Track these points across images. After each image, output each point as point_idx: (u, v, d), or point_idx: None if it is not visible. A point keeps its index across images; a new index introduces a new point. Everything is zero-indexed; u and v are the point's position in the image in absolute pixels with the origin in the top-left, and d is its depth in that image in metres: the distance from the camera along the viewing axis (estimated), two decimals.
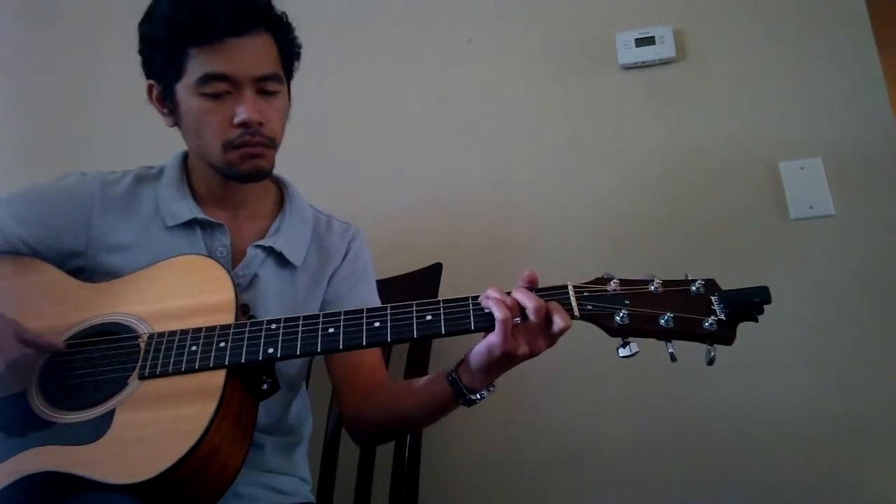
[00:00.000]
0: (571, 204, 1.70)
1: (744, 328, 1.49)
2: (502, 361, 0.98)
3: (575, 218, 1.69)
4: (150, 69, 1.16)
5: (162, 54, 1.12)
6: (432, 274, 1.55)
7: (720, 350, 0.94)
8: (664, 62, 1.72)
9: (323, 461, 1.48)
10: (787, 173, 1.61)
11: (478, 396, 1.04)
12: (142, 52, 1.16)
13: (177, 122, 1.17)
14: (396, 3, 1.89)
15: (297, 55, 1.22)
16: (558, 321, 0.94)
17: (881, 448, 1.48)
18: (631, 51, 1.72)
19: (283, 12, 1.18)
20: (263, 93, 1.13)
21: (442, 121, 1.81)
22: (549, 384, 1.63)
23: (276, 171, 1.22)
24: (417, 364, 1.49)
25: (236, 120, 1.10)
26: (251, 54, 1.11)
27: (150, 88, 1.18)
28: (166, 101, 1.16)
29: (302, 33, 1.22)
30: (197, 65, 1.09)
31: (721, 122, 1.68)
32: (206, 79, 1.09)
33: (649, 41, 1.71)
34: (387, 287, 1.48)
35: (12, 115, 1.99)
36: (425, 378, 1.14)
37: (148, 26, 1.15)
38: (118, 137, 1.91)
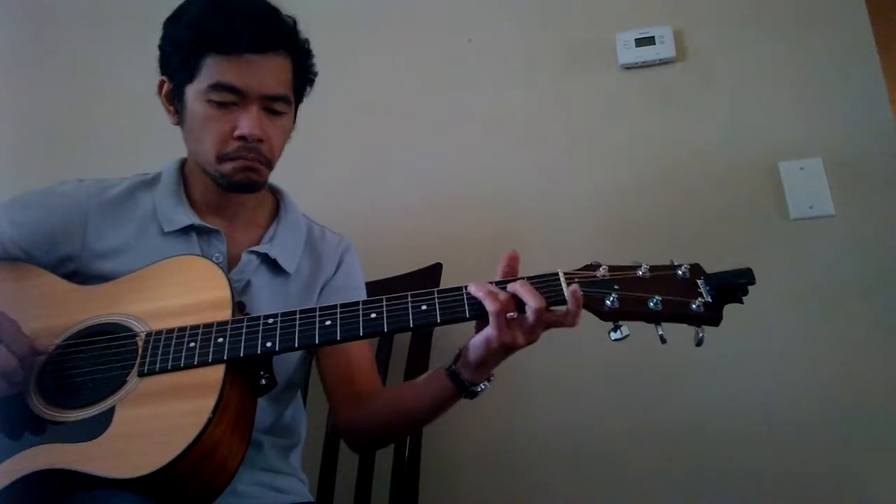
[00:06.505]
0: (571, 204, 1.70)
1: (744, 329, 1.51)
2: (501, 352, 1.00)
3: (575, 218, 1.69)
4: (165, 66, 1.18)
5: (180, 55, 1.13)
6: (432, 274, 1.55)
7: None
8: (664, 62, 1.72)
9: (323, 461, 1.48)
10: (787, 173, 1.61)
11: (480, 388, 1.06)
12: (162, 48, 1.18)
13: (180, 122, 1.19)
14: (396, 2, 1.90)
15: (311, 81, 1.25)
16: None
17: (880, 447, 1.48)
18: (631, 51, 1.72)
19: (306, 39, 1.21)
20: (270, 111, 1.15)
21: (442, 120, 1.82)
22: (549, 383, 1.63)
23: (275, 175, 1.23)
24: (418, 362, 1.49)
25: (237, 133, 1.12)
26: (266, 73, 1.13)
27: (161, 84, 1.20)
28: (174, 99, 1.18)
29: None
30: (211, 72, 1.11)
31: (721, 122, 1.68)
32: (217, 87, 1.11)
33: (649, 41, 1.71)
34: (387, 287, 1.49)
35: (12, 115, 1.99)
36: (423, 377, 1.15)
37: (173, 26, 1.16)
38: (118, 138, 1.91)
